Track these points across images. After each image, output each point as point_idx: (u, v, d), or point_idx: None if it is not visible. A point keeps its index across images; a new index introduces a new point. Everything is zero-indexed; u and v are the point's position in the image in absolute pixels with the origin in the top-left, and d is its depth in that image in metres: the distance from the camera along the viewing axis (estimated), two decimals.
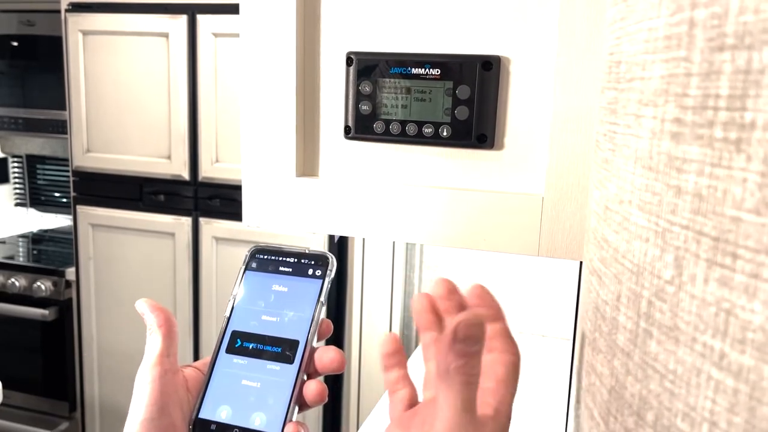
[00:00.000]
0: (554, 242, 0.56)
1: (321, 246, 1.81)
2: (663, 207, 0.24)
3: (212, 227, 1.93)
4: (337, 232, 0.63)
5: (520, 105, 0.57)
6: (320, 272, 0.47)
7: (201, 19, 1.84)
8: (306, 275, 0.47)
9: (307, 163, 0.65)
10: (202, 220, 1.94)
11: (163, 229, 1.98)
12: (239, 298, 0.48)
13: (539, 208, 0.57)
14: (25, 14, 2.32)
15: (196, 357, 2.02)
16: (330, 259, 0.47)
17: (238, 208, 1.89)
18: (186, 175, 1.93)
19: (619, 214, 0.28)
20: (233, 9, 1.81)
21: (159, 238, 1.99)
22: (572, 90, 0.54)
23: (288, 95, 0.62)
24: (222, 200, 1.91)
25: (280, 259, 0.48)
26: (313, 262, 0.47)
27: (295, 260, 0.48)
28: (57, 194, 2.79)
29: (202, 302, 1.98)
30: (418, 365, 0.43)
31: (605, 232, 0.30)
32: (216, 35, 1.83)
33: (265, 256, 0.49)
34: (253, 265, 0.49)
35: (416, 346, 1.92)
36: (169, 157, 1.93)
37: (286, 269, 0.48)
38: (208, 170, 1.91)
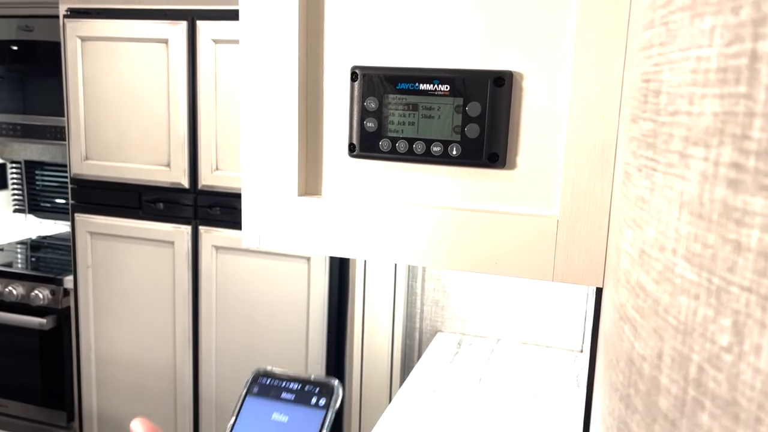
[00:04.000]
0: (570, 267, 0.54)
1: (323, 259, 1.78)
2: (717, 262, 0.21)
3: (212, 236, 1.90)
4: (341, 254, 0.60)
5: (534, 123, 0.55)
6: (324, 402, 0.44)
7: (201, 25, 1.81)
8: (309, 404, 0.44)
9: (310, 182, 0.62)
10: (202, 229, 1.91)
11: (163, 238, 1.95)
12: (238, 425, 0.46)
13: (554, 231, 0.54)
14: (24, 19, 2.30)
15: (196, 367, 1.99)
16: (336, 389, 0.45)
17: (239, 217, 1.86)
18: (185, 182, 1.90)
19: (660, 262, 0.25)
20: (233, 15, 1.79)
21: (158, 246, 1.97)
22: (590, 108, 0.51)
23: (290, 111, 0.59)
24: (222, 208, 1.88)
25: (284, 384, 0.46)
26: (317, 390, 0.45)
27: (299, 386, 0.45)
28: (56, 200, 2.76)
29: (202, 311, 1.95)
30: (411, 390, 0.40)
31: (642, 279, 0.27)
32: (216, 41, 1.81)
33: (268, 381, 0.47)
34: (255, 389, 0.47)
35: (418, 357, 1.89)
36: (168, 165, 1.91)
37: (289, 396, 0.45)
38: (207, 178, 1.88)
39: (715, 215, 0.21)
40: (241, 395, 0.47)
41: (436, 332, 1.86)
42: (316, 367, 1.87)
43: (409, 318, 1.89)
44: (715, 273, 0.21)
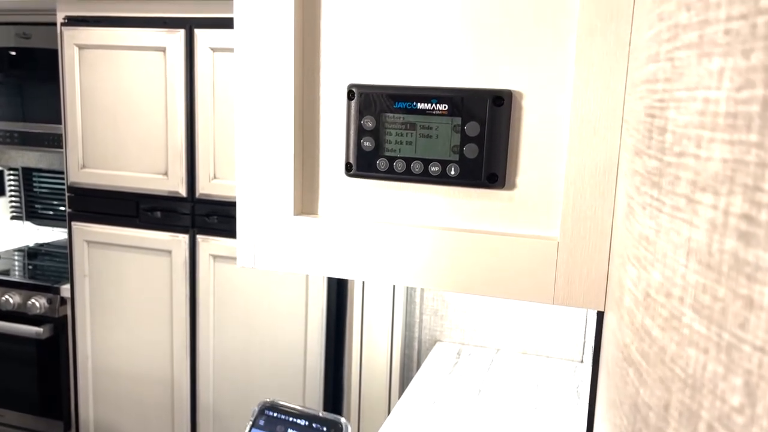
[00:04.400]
0: (571, 290, 0.53)
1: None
2: (728, 317, 0.20)
3: (210, 245, 1.89)
4: (337, 275, 0.59)
5: (534, 143, 0.54)
6: None
7: (199, 33, 1.80)
8: None
9: (306, 201, 0.61)
10: (200, 238, 1.90)
11: (160, 247, 1.94)
12: None
13: (554, 253, 0.53)
14: (22, 27, 2.29)
15: (193, 377, 1.98)
16: (344, 428, 0.44)
17: (235, 225, 1.85)
18: (183, 191, 1.89)
19: (666, 309, 0.24)
20: (231, 24, 1.78)
21: (155, 255, 1.95)
22: (590, 129, 0.50)
23: (286, 129, 0.58)
24: (219, 217, 1.87)
25: (290, 419, 0.45)
26: (325, 428, 0.43)
27: (306, 423, 0.44)
28: (53, 207, 2.75)
29: (199, 321, 1.94)
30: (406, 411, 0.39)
31: (647, 323, 0.26)
32: (214, 50, 1.80)
33: (275, 414, 0.45)
34: (261, 422, 0.46)
35: (417, 367, 1.88)
36: (166, 174, 1.90)
37: None
38: (205, 187, 1.87)
39: (726, 267, 0.20)
40: (247, 426, 0.46)
41: (435, 342, 1.85)
42: (314, 377, 1.85)
43: (408, 327, 1.88)
44: (725, 328, 0.20)
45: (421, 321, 1.86)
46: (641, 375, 0.26)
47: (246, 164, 0.60)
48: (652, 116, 0.27)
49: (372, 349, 1.88)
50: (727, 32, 0.20)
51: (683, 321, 0.23)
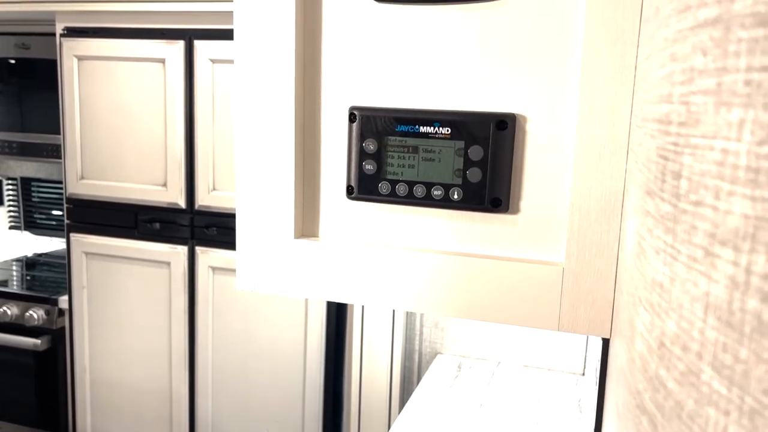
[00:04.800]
0: (576, 317, 0.52)
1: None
2: (751, 381, 0.19)
3: (209, 256, 1.88)
4: (338, 299, 0.59)
5: (538, 167, 0.53)
6: None
7: (198, 44, 1.80)
8: None
9: (307, 224, 0.60)
10: (199, 249, 1.89)
11: (159, 258, 1.93)
12: None
13: (559, 279, 0.52)
14: (21, 37, 2.28)
15: (192, 390, 1.96)
16: None
17: (235, 237, 1.84)
18: (182, 203, 1.88)
19: (683, 362, 0.23)
20: (231, 35, 1.77)
21: (154, 267, 1.94)
22: (596, 153, 0.49)
23: (287, 151, 0.58)
24: (219, 229, 1.86)
25: None
26: None
27: None
28: (52, 215, 2.74)
29: (198, 333, 1.92)
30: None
31: (662, 374, 0.25)
32: (213, 61, 1.79)
33: None
34: None
35: (418, 380, 1.87)
36: (165, 185, 1.89)
37: None
38: (204, 198, 1.86)
39: (748, 329, 0.19)
40: None
41: (435, 354, 1.84)
42: (313, 389, 1.84)
43: (409, 340, 1.87)
44: (748, 392, 0.19)
45: (421, 333, 1.85)
46: (656, 427, 0.25)
47: (246, 187, 0.59)
48: (665, 158, 0.26)
49: (372, 361, 1.87)
50: (747, 83, 0.19)
51: (702, 378, 0.22)
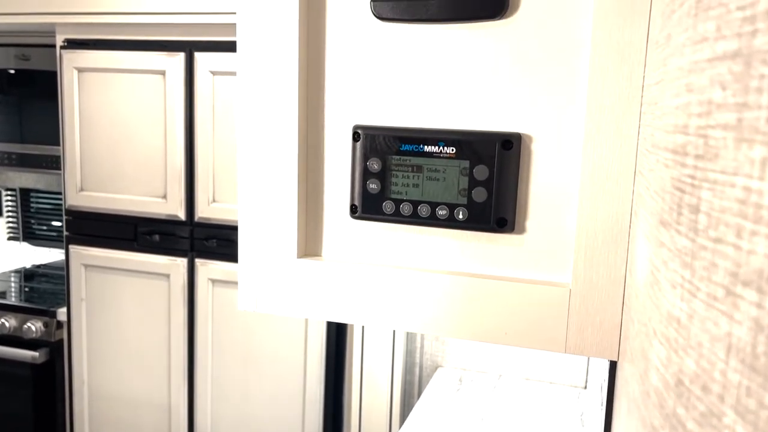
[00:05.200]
0: (583, 339, 0.51)
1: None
2: None
3: (208, 269, 1.88)
4: (341, 320, 0.58)
5: (544, 187, 0.52)
6: None
7: (199, 56, 1.80)
8: None
9: (310, 244, 0.59)
10: (198, 262, 1.88)
11: (158, 270, 1.92)
12: None
13: (566, 301, 0.51)
14: (21, 48, 2.28)
15: (191, 404, 1.95)
16: None
17: (235, 249, 1.83)
18: (182, 215, 1.87)
19: (703, 403, 0.22)
20: (231, 47, 1.77)
21: (153, 279, 1.93)
22: (603, 174, 0.49)
23: (290, 169, 0.57)
24: (219, 241, 1.86)
25: None
26: None
27: None
28: (51, 225, 2.73)
29: (197, 346, 1.91)
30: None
31: (680, 413, 0.24)
32: (214, 73, 1.79)
33: None
34: None
35: (419, 393, 1.85)
36: (164, 197, 1.88)
37: None
38: (204, 210, 1.85)
39: None
40: None
41: (436, 368, 1.83)
42: (313, 402, 1.83)
43: (409, 353, 1.85)
44: None
45: (422, 346, 1.84)
46: None
47: (249, 206, 0.59)
48: (682, 191, 0.25)
49: (372, 374, 1.86)
50: None
51: (724, 421, 0.21)
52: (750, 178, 0.20)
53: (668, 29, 0.32)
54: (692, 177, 0.24)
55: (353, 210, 0.57)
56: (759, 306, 0.19)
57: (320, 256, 0.59)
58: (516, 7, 0.51)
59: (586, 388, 1.71)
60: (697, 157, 0.24)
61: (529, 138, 0.52)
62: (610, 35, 0.48)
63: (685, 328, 0.24)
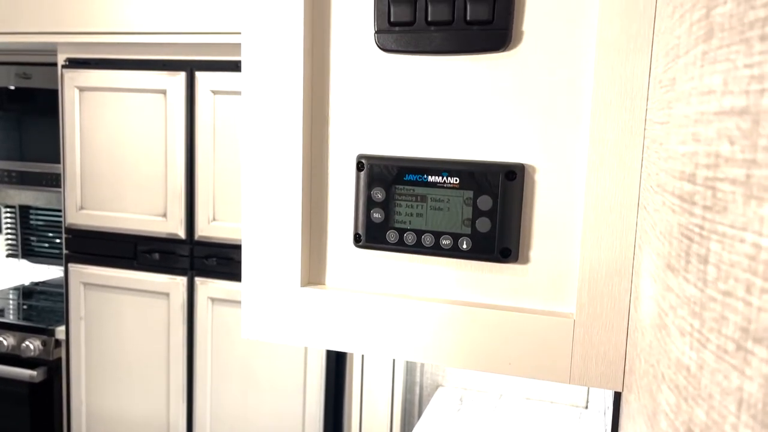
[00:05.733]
0: (587, 370, 0.51)
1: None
2: None
3: (208, 287, 1.87)
4: (345, 349, 0.58)
5: (548, 217, 0.53)
6: None
7: (199, 76, 1.81)
8: None
9: (313, 272, 0.60)
10: (198, 280, 1.88)
11: (158, 289, 1.92)
12: None
13: (570, 332, 0.51)
14: (22, 67, 2.29)
15: (190, 423, 1.94)
16: None
17: (235, 268, 1.83)
18: (182, 233, 1.87)
19: None
20: (232, 66, 1.79)
21: (153, 297, 1.93)
22: (606, 206, 0.49)
23: (294, 198, 0.57)
24: (218, 259, 1.85)
25: None
26: None
27: None
28: (51, 242, 2.73)
29: (197, 365, 1.90)
30: None
31: None
32: (215, 92, 1.80)
33: None
34: None
35: (419, 413, 1.84)
36: (164, 215, 1.88)
37: None
38: (204, 229, 1.85)
39: None
40: None
41: (437, 387, 1.82)
42: (313, 423, 1.82)
43: (410, 372, 1.85)
44: None
45: (422, 366, 1.83)
46: None
47: (253, 234, 0.59)
48: (690, 239, 0.26)
49: (373, 394, 1.85)
50: None
51: None
52: (760, 236, 0.20)
53: (673, 72, 0.32)
54: (701, 227, 0.24)
55: (357, 239, 0.57)
56: None
57: (324, 284, 0.59)
58: (519, 40, 0.52)
59: (587, 408, 1.70)
60: (706, 208, 0.24)
61: (533, 169, 0.53)
62: (612, 69, 0.48)
63: (695, 378, 0.24)
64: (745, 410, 0.21)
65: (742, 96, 0.22)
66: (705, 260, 0.24)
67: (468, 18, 0.52)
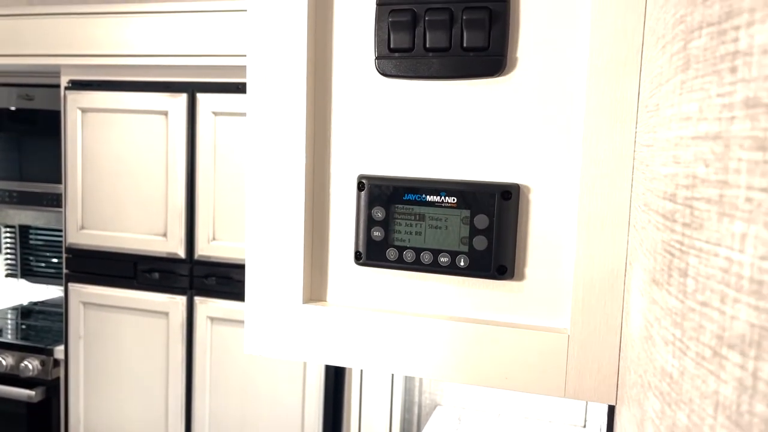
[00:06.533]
0: (582, 384, 0.53)
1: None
2: None
3: (207, 306, 1.88)
4: (345, 364, 0.59)
5: (542, 236, 0.55)
6: None
7: (201, 97, 1.84)
8: None
9: (315, 289, 0.61)
10: (198, 299, 1.89)
11: (157, 308, 1.93)
12: None
13: (564, 347, 0.53)
14: (24, 88, 2.32)
15: None
16: None
17: (234, 287, 1.84)
18: (182, 253, 1.89)
19: None
20: (233, 88, 1.81)
21: (152, 317, 1.94)
22: (598, 224, 0.51)
23: (296, 217, 0.59)
24: (218, 279, 1.87)
25: None
26: None
27: None
28: (50, 262, 2.74)
29: (196, 385, 1.91)
30: None
31: None
32: (216, 114, 1.83)
33: None
34: None
35: None
36: (165, 235, 1.90)
37: None
38: (204, 248, 1.87)
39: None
40: None
41: (435, 406, 1.82)
42: None
43: (408, 391, 1.85)
44: None
45: (420, 385, 1.83)
46: None
47: (256, 251, 0.61)
48: (671, 254, 0.27)
49: (371, 413, 1.85)
50: (748, 200, 0.21)
51: None
52: (731, 250, 0.22)
53: (657, 99, 0.34)
54: (681, 243, 0.26)
55: (358, 257, 0.59)
56: (742, 368, 0.21)
57: (325, 301, 0.61)
58: (513, 66, 0.54)
59: (585, 427, 1.70)
60: (685, 225, 0.26)
61: (528, 188, 0.55)
62: (602, 93, 0.50)
63: (677, 384, 0.26)
64: (721, 412, 0.22)
65: (715, 122, 0.24)
66: (685, 273, 0.26)
67: (464, 45, 0.54)
